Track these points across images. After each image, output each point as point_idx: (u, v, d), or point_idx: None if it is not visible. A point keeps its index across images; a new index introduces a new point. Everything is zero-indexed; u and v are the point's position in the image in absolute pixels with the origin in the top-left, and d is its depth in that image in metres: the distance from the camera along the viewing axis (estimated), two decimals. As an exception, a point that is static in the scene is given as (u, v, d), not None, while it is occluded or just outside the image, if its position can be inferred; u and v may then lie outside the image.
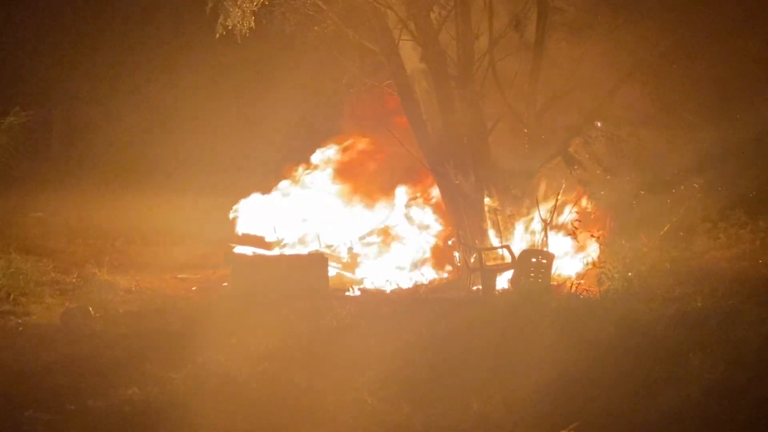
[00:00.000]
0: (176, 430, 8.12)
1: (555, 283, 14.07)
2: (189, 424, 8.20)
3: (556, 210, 15.14)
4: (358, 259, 16.06)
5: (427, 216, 16.37)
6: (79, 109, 22.26)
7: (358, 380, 9.24)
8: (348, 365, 9.79)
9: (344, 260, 16.03)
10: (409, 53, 15.48)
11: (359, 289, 15.01)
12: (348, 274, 15.70)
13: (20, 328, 11.95)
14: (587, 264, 14.43)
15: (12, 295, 13.19)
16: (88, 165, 21.53)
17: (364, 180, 17.13)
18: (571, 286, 13.59)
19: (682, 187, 15.18)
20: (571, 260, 14.93)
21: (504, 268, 14.31)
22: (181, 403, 8.62)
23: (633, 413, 8.25)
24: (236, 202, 16.64)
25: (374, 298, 14.24)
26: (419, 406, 8.63)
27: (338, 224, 16.66)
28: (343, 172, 17.21)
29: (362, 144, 17.45)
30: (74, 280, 14.77)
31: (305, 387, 9.22)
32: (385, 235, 16.32)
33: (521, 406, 8.50)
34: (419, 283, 15.13)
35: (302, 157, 17.42)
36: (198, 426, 8.17)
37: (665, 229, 14.65)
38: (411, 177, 16.63)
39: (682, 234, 14.58)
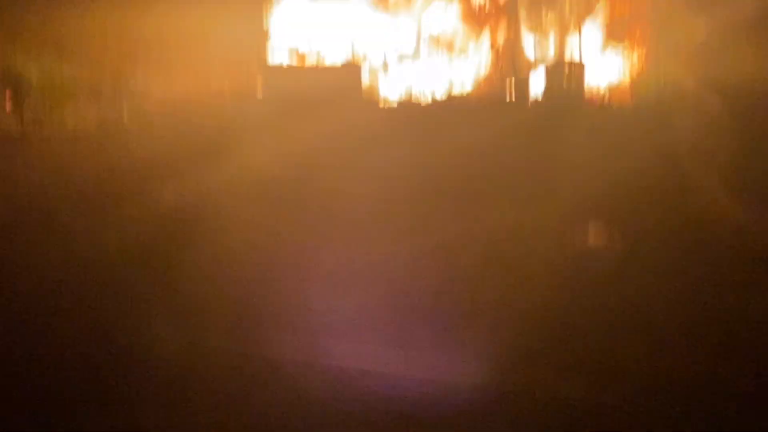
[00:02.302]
0: (211, 227, 8.29)
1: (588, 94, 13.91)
2: (223, 222, 8.40)
3: (589, 16, 14.71)
4: (393, 71, 15.87)
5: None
6: None
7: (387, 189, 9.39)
8: (379, 172, 9.92)
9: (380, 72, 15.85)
10: None
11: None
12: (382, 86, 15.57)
13: (56, 136, 12.07)
14: (622, 73, 14.19)
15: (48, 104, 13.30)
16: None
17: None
18: (604, 97, 13.44)
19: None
20: (604, 70, 14.66)
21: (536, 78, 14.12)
22: (215, 202, 8.89)
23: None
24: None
25: (406, 108, 14.19)
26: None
27: (375, 35, 16.36)
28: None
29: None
30: (108, 90, 14.78)
31: (332, 189, 9.40)
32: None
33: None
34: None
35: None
36: (231, 223, 8.34)
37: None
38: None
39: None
